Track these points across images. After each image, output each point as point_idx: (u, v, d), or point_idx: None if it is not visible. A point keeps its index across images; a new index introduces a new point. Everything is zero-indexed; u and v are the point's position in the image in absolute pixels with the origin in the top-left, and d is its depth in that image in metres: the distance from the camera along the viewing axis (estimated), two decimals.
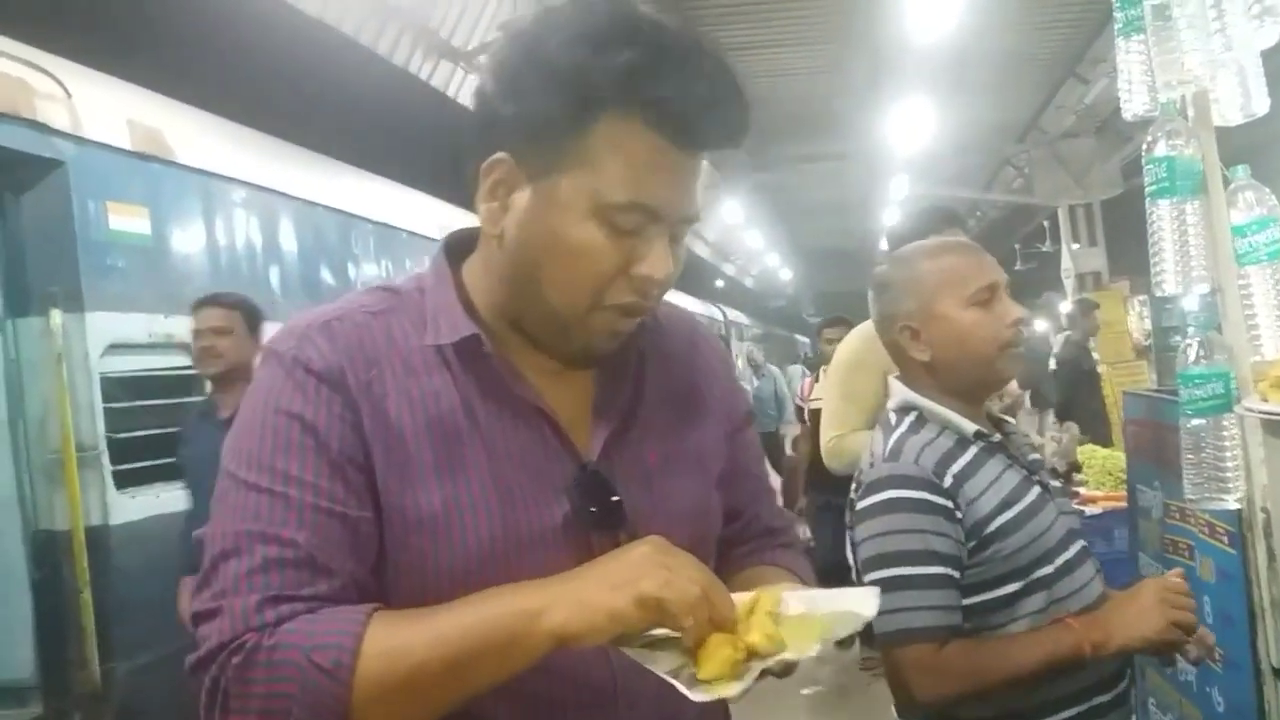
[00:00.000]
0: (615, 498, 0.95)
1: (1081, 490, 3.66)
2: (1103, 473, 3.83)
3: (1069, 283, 12.20)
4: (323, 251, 5.17)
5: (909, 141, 10.24)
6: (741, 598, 0.86)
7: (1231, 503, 1.64)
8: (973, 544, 1.52)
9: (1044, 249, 14.53)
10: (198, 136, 4.38)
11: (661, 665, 0.82)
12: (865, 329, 2.97)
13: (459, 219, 5.94)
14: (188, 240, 4.14)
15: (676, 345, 1.12)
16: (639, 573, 0.81)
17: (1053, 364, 7.48)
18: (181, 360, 3.90)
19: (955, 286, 1.61)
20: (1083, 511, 3.21)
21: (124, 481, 3.54)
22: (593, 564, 0.85)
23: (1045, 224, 14.21)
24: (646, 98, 0.87)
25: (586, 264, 0.91)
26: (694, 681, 0.80)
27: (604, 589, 0.81)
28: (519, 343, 0.99)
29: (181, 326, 3.89)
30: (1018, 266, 15.28)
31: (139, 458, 3.60)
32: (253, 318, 3.37)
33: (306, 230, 5.00)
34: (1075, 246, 12.37)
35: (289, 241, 4.86)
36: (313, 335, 0.93)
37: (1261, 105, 1.64)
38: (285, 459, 0.87)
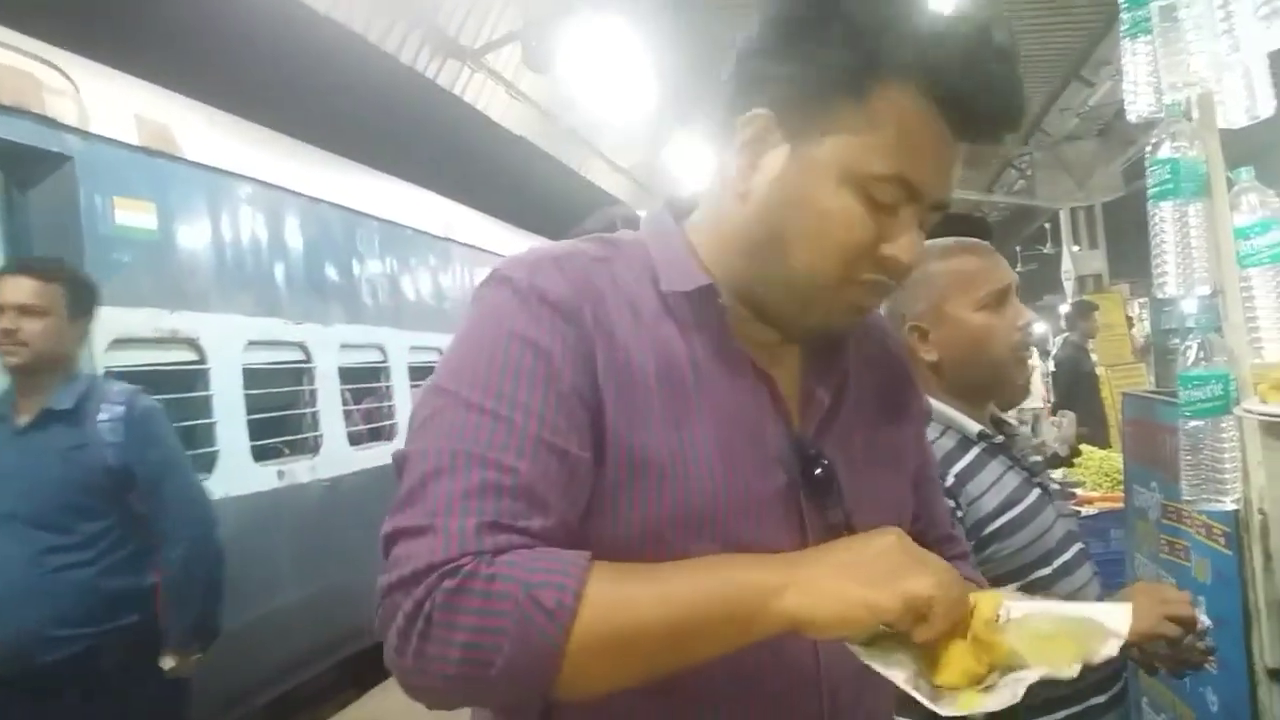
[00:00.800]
0: (829, 474, 0.92)
1: (1078, 491, 3.68)
2: (1099, 473, 3.85)
3: (1069, 285, 12.20)
4: (329, 247, 5.18)
5: None
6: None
7: (1229, 504, 1.65)
8: (973, 543, 1.52)
9: (1045, 251, 14.55)
10: (205, 132, 4.40)
11: (898, 673, 0.77)
12: None
13: (464, 216, 5.93)
14: (195, 235, 4.15)
15: (872, 338, 1.10)
16: (899, 568, 0.77)
17: (1051, 365, 7.49)
18: (188, 355, 3.92)
19: (966, 288, 1.61)
20: (1079, 512, 3.23)
21: None
22: (828, 551, 0.81)
23: (1046, 226, 14.22)
24: (937, 69, 0.84)
25: (838, 232, 0.87)
26: (935, 693, 0.76)
27: (858, 581, 0.76)
28: (738, 312, 0.95)
29: (188, 322, 3.91)
30: (1019, 268, 15.29)
31: None
32: (81, 297, 2.61)
33: (313, 226, 5.02)
34: (1076, 249, 12.37)
35: (295, 238, 4.87)
36: (545, 267, 0.89)
37: (1267, 107, 1.65)
38: (514, 384, 0.83)
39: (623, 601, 0.77)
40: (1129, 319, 10.58)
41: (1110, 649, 0.80)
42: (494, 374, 0.84)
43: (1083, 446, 4.12)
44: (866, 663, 0.78)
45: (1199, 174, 1.66)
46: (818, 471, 0.92)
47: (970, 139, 0.89)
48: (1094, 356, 8.06)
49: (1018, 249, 16.10)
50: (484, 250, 7.09)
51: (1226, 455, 1.63)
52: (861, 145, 0.86)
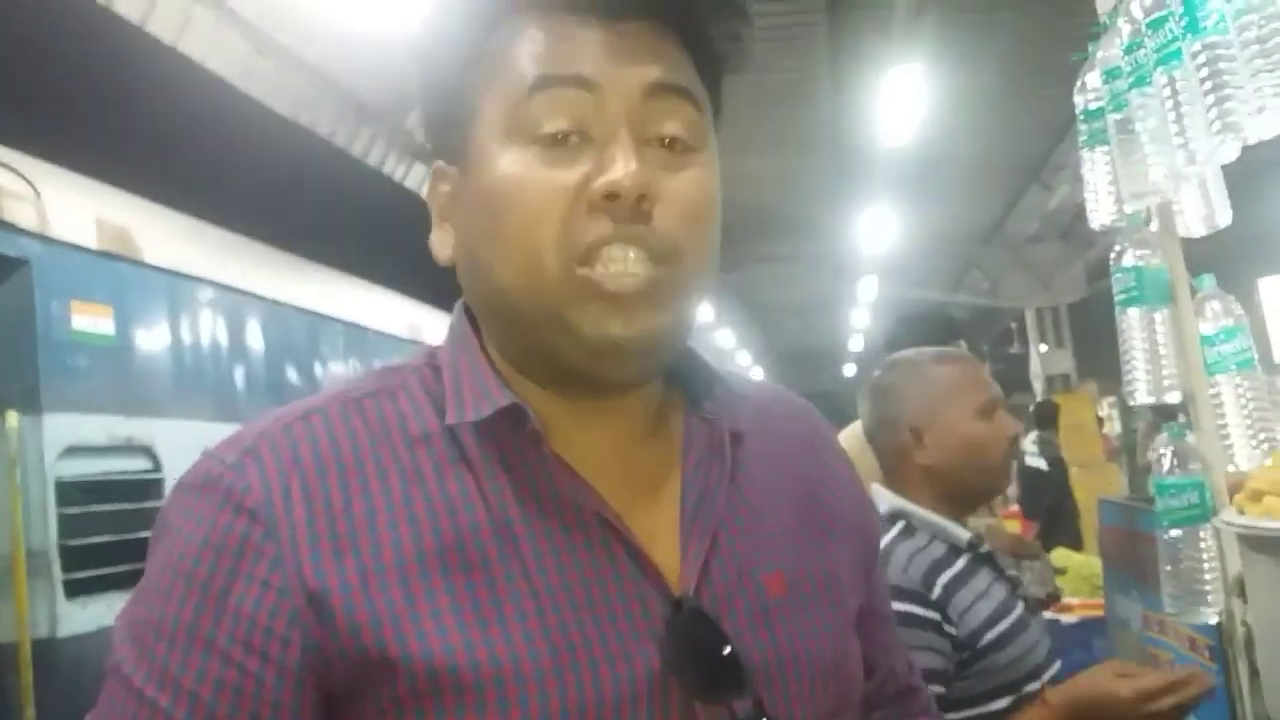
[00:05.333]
0: (727, 649, 0.69)
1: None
2: (1078, 579, 3.80)
3: (1038, 384, 12.32)
4: (290, 352, 5.13)
5: (877, 244, 10.44)
6: None
7: (1212, 616, 1.62)
8: (966, 655, 1.50)
9: (1013, 351, 14.75)
10: (167, 236, 4.38)
11: None
12: (854, 432, 2.96)
13: (428, 318, 5.90)
14: (153, 340, 4.10)
15: (785, 429, 0.87)
16: None
17: (1043, 464, 7.30)
18: (142, 463, 3.82)
19: (964, 396, 1.66)
20: (1059, 620, 3.17)
21: (75, 590, 3.42)
22: None
23: (1013, 326, 14.44)
24: None
25: (523, 199, 0.67)
26: None
27: None
28: (556, 413, 0.73)
29: (143, 428, 3.83)
30: (988, 369, 15.45)
31: (93, 565, 3.49)
32: None
33: (274, 330, 4.98)
34: (1043, 349, 12.55)
35: (256, 341, 4.83)
36: (259, 450, 0.69)
37: (1225, 217, 1.67)
38: (169, 651, 0.64)
39: None
40: (1099, 418, 10.63)
41: None
42: (158, 638, 0.65)
43: (1058, 551, 4.08)
44: None
45: (1163, 281, 1.67)
46: (710, 646, 0.69)
47: (625, 13, 0.71)
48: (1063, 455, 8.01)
49: (986, 349, 16.32)
50: None
51: (1206, 566, 1.60)
52: (500, 91, 0.70)
